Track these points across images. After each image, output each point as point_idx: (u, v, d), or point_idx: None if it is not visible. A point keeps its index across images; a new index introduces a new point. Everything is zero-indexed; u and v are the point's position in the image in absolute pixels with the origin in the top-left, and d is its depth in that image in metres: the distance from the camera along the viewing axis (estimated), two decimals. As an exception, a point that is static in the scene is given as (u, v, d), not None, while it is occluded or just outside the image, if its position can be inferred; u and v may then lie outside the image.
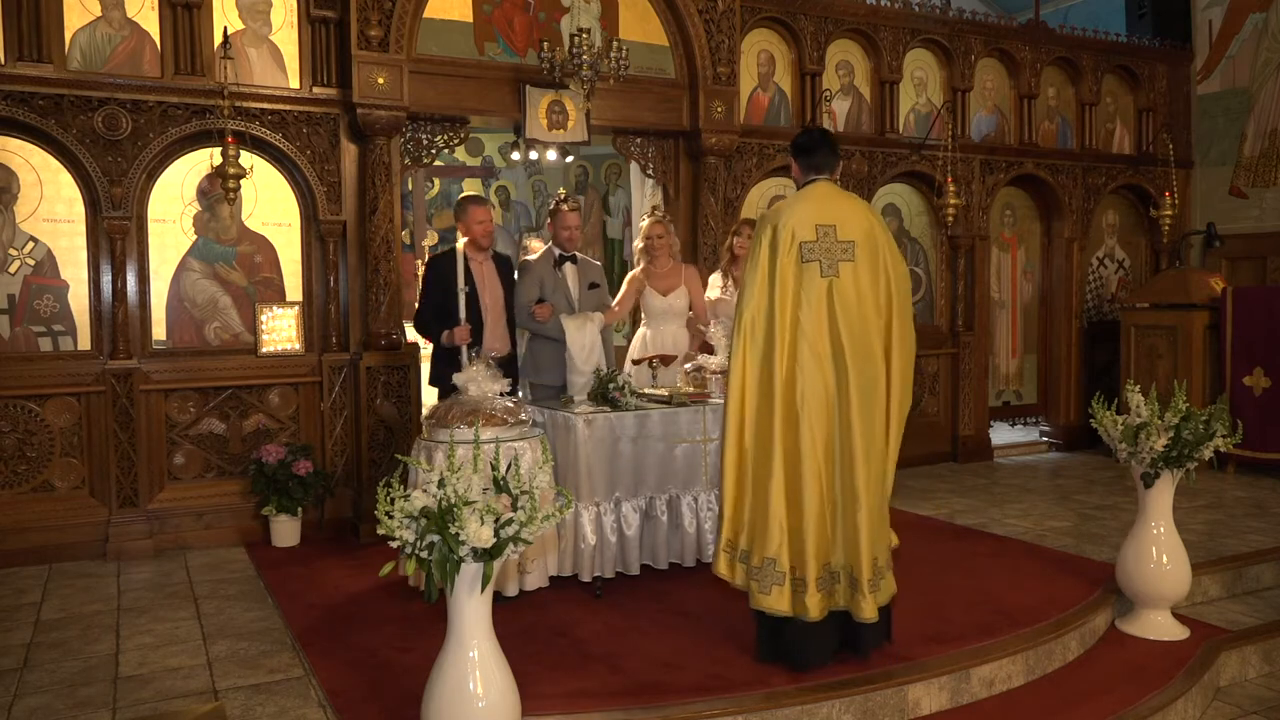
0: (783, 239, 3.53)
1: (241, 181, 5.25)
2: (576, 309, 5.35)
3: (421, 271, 6.17)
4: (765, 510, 3.50)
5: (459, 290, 5.05)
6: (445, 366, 5.15)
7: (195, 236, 5.55)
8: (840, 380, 3.51)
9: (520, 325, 5.45)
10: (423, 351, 5.82)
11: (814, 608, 3.47)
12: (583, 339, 5.16)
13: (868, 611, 3.49)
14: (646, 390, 4.89)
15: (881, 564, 3.57)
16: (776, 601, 3.49)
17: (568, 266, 5.44)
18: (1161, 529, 4.23)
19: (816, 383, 3.50)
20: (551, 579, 4.42)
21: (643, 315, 5.78)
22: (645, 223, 5.74)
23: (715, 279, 5.88)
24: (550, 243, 5.56)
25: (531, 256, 5.69)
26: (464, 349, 5.05)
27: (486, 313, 5.26)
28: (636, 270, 5.72)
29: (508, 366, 5.28)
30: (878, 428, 3.55)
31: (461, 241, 5.21)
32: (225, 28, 5.37)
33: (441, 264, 5.30)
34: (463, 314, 5.05)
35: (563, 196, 5.65)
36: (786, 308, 3.51)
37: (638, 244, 5.80)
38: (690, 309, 5.69)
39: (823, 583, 3.50)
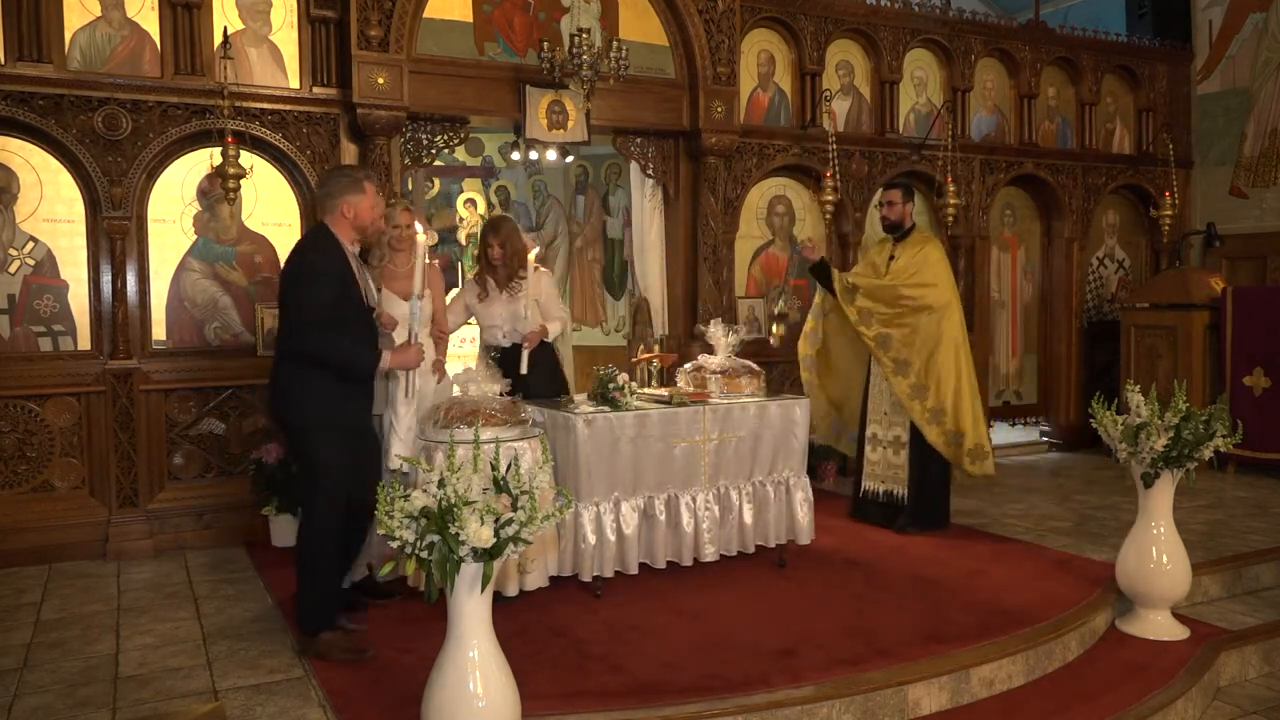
0: None
1: (241, 181, 5.25)
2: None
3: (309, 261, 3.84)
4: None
5: (415, 297, 3.81)
6: (335, 401, 3.71)
7: (195, 236, 5.55)
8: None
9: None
10: None
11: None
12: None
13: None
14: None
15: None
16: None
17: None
18: (1161, 529, 4.23)
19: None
20: (551, 579, 4.41)
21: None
22: (392, 210, 4.63)
23: (470, 282, 5.28)
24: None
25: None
26: (405, 377, 3.91)
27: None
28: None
29: None
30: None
31: (327, 228, 3.85)
32: (225, 28, 5.37)
33: (334, 255, 3.78)
34: (415, 329, 3.85)
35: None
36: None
37: (390, 231, 4.64)
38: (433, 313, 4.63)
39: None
